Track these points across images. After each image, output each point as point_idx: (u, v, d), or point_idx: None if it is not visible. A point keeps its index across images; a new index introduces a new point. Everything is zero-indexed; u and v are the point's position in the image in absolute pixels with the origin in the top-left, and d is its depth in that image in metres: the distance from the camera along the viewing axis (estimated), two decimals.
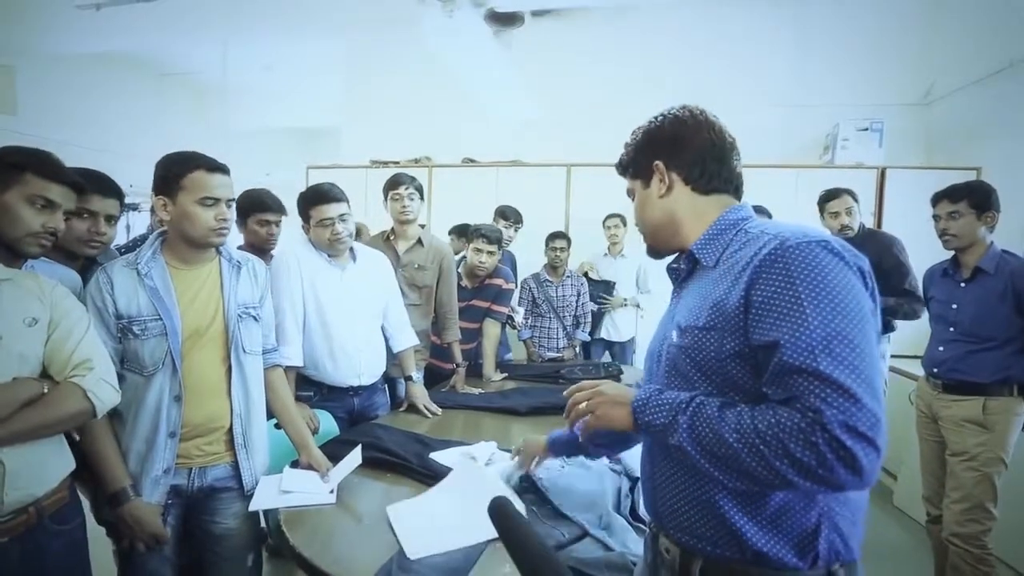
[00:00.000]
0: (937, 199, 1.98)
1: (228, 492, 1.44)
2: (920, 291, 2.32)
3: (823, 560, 0.73)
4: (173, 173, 1.34)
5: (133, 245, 1.94)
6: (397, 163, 4.42)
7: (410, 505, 1.36)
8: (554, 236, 3.38)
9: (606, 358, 3.67)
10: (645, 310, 3.80)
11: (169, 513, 1.36)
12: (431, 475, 1.54)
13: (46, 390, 1.08)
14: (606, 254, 3.79)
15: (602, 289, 3.60)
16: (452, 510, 1.33)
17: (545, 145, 4.41)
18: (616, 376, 2.78)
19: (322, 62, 5.23)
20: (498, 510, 0.92)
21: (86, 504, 1.33)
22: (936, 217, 1.98)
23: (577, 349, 3.42)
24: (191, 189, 1.33)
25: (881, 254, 2.41)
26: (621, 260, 3.72)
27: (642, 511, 1.29)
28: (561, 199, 4.24)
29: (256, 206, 2.08)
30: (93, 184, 1.42)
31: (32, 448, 1.08)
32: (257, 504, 1.38)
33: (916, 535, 2.53)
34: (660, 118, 0.92)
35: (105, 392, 1.16)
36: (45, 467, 1.13)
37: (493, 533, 1.18)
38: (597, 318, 3.62)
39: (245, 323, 1.45)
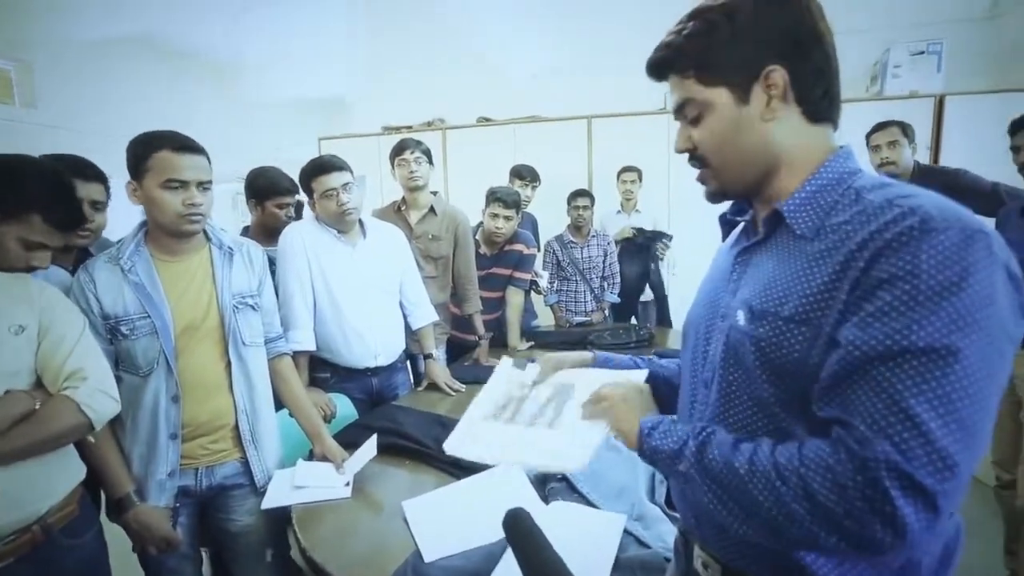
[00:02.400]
0: (1017, 127, 1.71)
1: (240, 489, 1.38)
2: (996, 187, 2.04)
3: None
4: (139, 154, 1.22)
5: None
6: (410, 128, 4.25)
7: (427, 500, 1.27)
8: (576, 194, 3.18)
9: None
10: (675, 267, 3.61)
11: (180, 514, 1.31)
12: (450, 460, 1.45)
13: (38, 405, 1.01)
14: (619, 211, 3.57)
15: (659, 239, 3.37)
16: (472, 506, 1.24)
17: (564, 98, 4.15)
18: (647, 340, 2.64)
19: (329, 29, 5.03)
20: (514, 524, 0.79)
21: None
22: (1016, 148, 1.72)
23: (607, 312, 3.27)
24: (156, 171, 1.21)
25: (947, 185, 2.14)
26: (636, 217, 3.49)
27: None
28: (583, 154, 4.01)
29: (275, 190, 1.98)
30: (71, 169, 1.32)
31: (31, 465, 1.02)
32: (270, 502, 1.32)
33: (982, 498, 2.35)
34: (738, 1, 0.63)
35: (101, 403, 1.09)
36: (49, 482, 1.08)
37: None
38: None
39: (243, 314, 1.36)
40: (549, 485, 1.30)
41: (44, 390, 1.05)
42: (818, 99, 0.65)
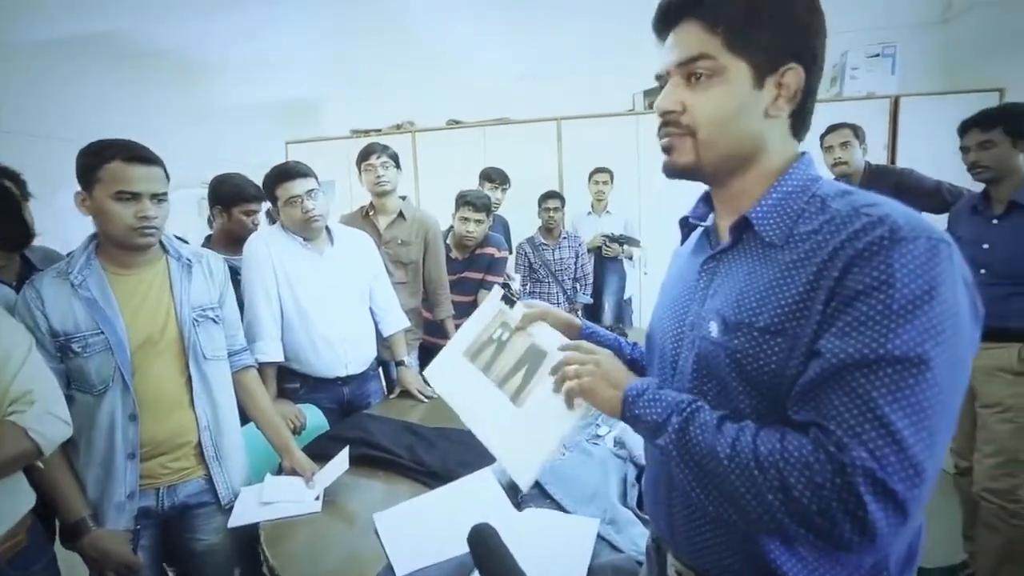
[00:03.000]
0: (966, 128, 1.77)
1: (205, 507, 1.34)
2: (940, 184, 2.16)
3: None
4: (89, 164, 1.17)
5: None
6: (379, 131, 4.19)
7: (399, 512, 1.26)
8: (547, 196, 3.19)
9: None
10: (646, 266, 3.66)
11: (141, 536, 1.26)
12: (423, 470, 1.44)
13: None
14: (590, 212, 3.59)
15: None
16: (444, 516, 1.22)
17: (533, 100, 4.15)
18: None
19: (295, 31, 4.94)
20: (478, 541, 0.79)
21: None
22: (964, 148, 1.78)
23: (579, 313, 3.29)
24: (107, 182, 1.17)
25: (896, 185, 2.22)
26: (606, 218, 3.53)
27: None
28: (553, 156, 4.01)
29: (241, 196, 1.91)
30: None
31: None
32: (236, 520, 1.28)
33: (942, 484, 2.43)
34: None
35: (51, 427, 1.04)
36: None
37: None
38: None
39: (203, 327, 1.32)
40: (521, 492, 1.29)
41: None
42: (806, 114, 0.66)
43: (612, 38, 3.87)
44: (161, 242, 1.32)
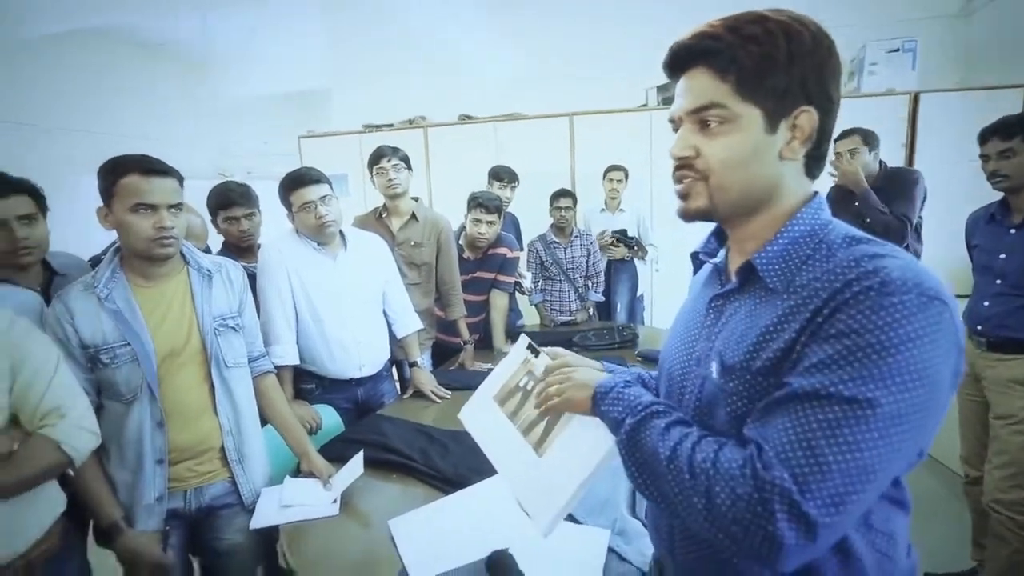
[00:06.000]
0: (986, 136, 1.75)
1: (229, 508, 1.39)
2: (910, 222, 2.15)
3: None
4: (106, 180, 1.21)
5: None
6: (391, 126, 4.21)
7: (414, 517, 1.29)
8: (558, 195, 3.19)
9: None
10: (658, 263, 3.66)
11: (171, 536, 1.32)
12: (436, 475, 1.48)
13: (16, 446, 1.01)
14: (603, 210, 3.59)
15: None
16: (458, 522, 1.26)
17: (545, 96, 4.14)
18: (632, 340, 2.68)
19: (307, 25, 4.93)
20: (497, 566, 0.82)
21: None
22: (984, 157, 1.76)
23: (591, 311, 3.30)
24: (124, 195, 1.20)
25: (897, 195, 2.20)
26: (620, 216, 3.52)
27: None
28: (565, 152, 4.00)
29: (220, 203, 1.94)
30: None
31: (11, 502, 1.02)
32: (258, 522, 1.33)
33: (954, 489, 2.43)
34: (799, 27, 0.61)
35: (81, 440, 1.09)
36: (28, 518, 1.08)
37: (500, 545, 1.12)
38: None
39: (224, 336, 1.36)
40: None
41: (21, 428, 1.05)
42: (820, 156, 0.66)
43: (624, 34, 3.84)
44: (182, 253, 1.36)
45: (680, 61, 0.65)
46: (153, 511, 1.28)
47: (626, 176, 3.46)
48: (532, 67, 4.24)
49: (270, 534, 1.39)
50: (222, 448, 1.37)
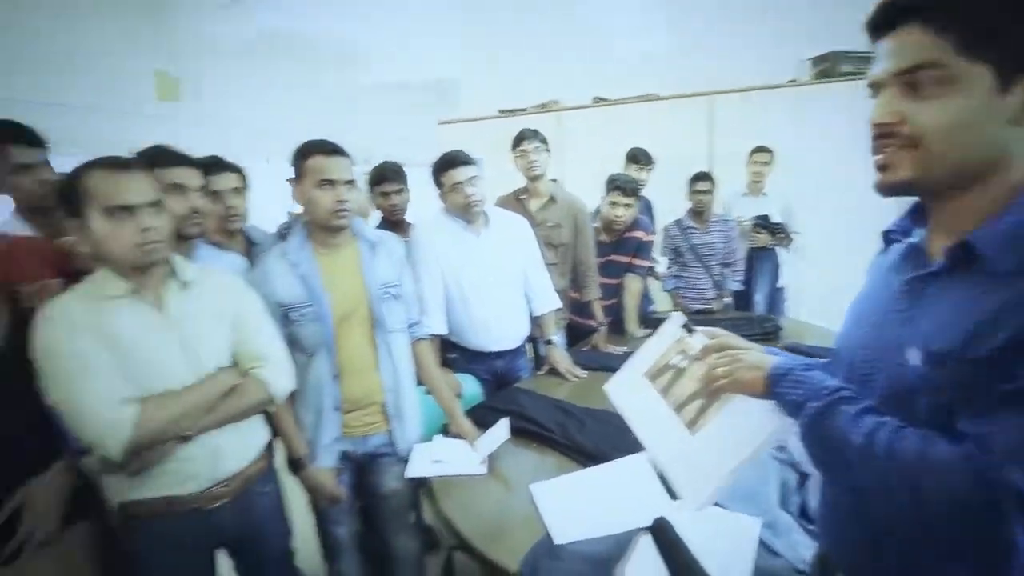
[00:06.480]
0: None
1: (387, 457, 1.56)
2: None
3: None
4: (297, 160, 1.42)
5: (283, 232, 2.10)
6: (524, 111, 4.29)
7: (555, 485, 1.34)
8: (697, 178, 3.04)
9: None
10: (803, 252, 3.36)
11: (344, 473, 1.51)
12: (575, 448, 1.51)
13: (236, 383, 1.22)
14: (745, 193, 3.36)
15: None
16: (599, 494, 1.29)
17: (683, 74, 3.95)
18: (774, 332, 2.50)
19: (441, 11, 5.17)
20: (659, 534, 0.84)
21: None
22: None
23: (727, 299, 3.14)
24: (311, 173, 1.40)
25: None
26: (763, 200, 3.28)
27: (814, 510, 1.13)
28: (702, 133, 3.81)
29: (376, 179, 2.18)
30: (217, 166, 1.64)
31: (235, 429, 1.24)
32: (412, 472, 1.47)
33: None
34: None
35: (282, 382, 1.28)
36: (247, 443, 1.29)
37: (645, 521, 1.13)
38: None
39: (387, 303, 1.51)
40: None
41: (237, 369, 1.25)
42: None
43: (770, 1, 3.53)
44: (353, 226, 1.52)
45: (888, 19, 0.60)
46: (329, 451, 1.47)
47: (772, 159, 3.21)
48: (670, 43, 4.07)
49: (416, 488, 1.55)
50: (383, 403, 1.52)
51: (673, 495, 1.27)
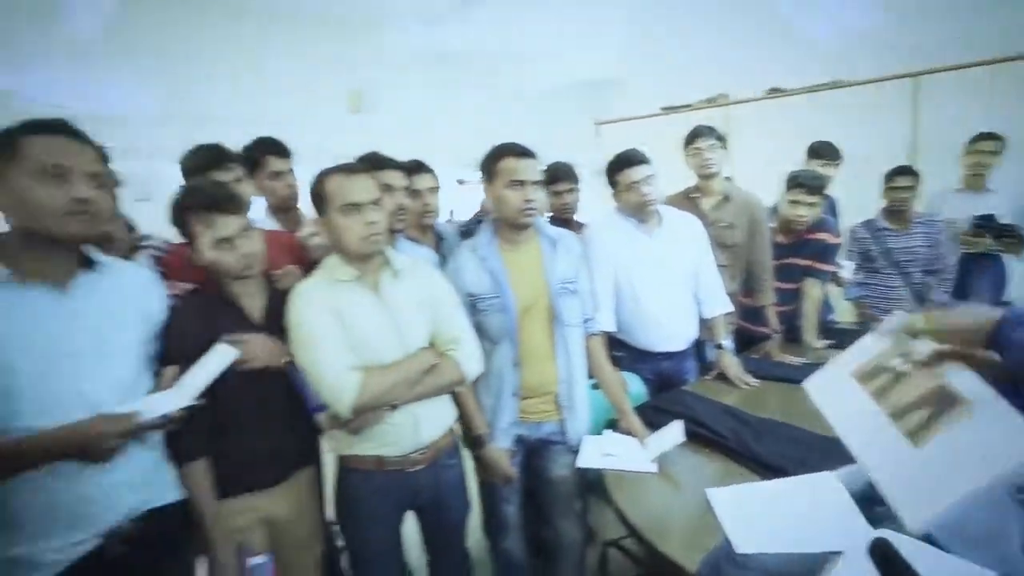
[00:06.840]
0: None
1: (557, 445, 1.62)
2: None
3: None
4: (489, 163, 1.53)
5: (468, 226, 2.28)
6: (689, 106, 4.13)
7: (734, 492, 1.29)
8: (896, 173, 2.68)
9: None
10: None
11: (516, 455, 1.61)
12: (753, 458, 1.44)
13: (436, 362, 1.36)
14: (959, 189, 2.87)
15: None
16: (786, 508, 1.21)
17: (876, 55, 3.50)
18: None
19: (599, 10, 5.15)
20: (880, 553, 0.77)
21: None
22: None
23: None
24: (502, 174, 1.50)
25: None
26: (987, 197, 2.77)
27: None
28: (902, 123, 3.33)
29: (548, 178, 2.25)
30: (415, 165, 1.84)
31: (432, 403, 1.39)
32: (583, 462, 1.51)
33: None
34: None
35: (473, 364, 1.41)
36: (441, 416, 1.45)
37: (840, 546, 1.04)
38: None
39: (565, 298, 1.57)
40: (878, 507, 1.18)
41: (434, 350, 1.40)
42: None
43: None
44: (535, 225, 1.61)
45: None
46: (506, 433, 1.58)
47: (1002, 147, 2.71)
48: (863, 22, 3.62)
49: (588, 477, 1.58)
50: (557, 394, 1.59)
51: (874, 522, 1.16)
